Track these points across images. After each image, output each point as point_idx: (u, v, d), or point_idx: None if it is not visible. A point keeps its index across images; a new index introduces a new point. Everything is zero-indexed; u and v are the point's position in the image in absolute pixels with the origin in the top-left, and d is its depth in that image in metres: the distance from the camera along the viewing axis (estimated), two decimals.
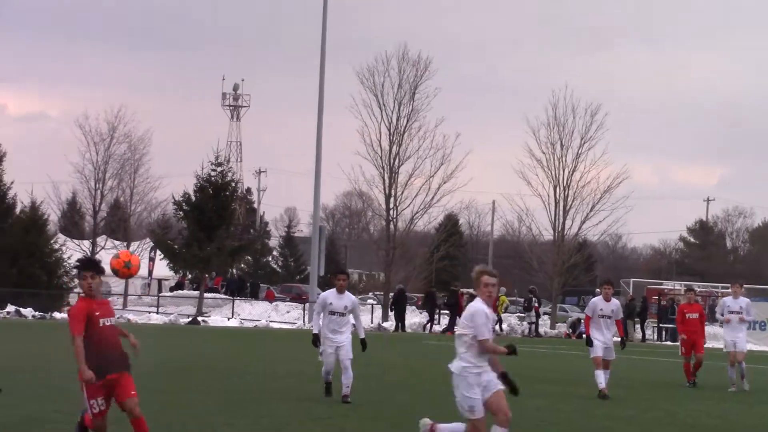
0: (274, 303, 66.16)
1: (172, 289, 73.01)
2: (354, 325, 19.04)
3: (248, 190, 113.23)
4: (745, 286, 28.69)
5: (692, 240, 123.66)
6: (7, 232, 59.42)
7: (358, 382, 19.13)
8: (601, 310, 21.77)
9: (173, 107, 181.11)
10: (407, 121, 63.18)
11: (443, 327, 58.09)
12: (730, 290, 26.81)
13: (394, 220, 63.45)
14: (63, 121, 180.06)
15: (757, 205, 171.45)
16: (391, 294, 60.10)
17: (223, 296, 68.38)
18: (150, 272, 73.05)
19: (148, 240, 70.47)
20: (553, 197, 65.27)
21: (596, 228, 67.07)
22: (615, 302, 22.08)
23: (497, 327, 12.12)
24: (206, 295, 64.33)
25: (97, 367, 11.29)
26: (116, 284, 66.25)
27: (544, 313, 64.46)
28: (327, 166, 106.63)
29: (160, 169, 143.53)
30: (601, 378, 21.34)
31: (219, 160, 63.72)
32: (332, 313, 18.62)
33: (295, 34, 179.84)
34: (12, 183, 63.23)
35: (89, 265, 11.71)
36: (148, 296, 70.57)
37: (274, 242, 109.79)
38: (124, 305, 63.07)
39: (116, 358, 11.53)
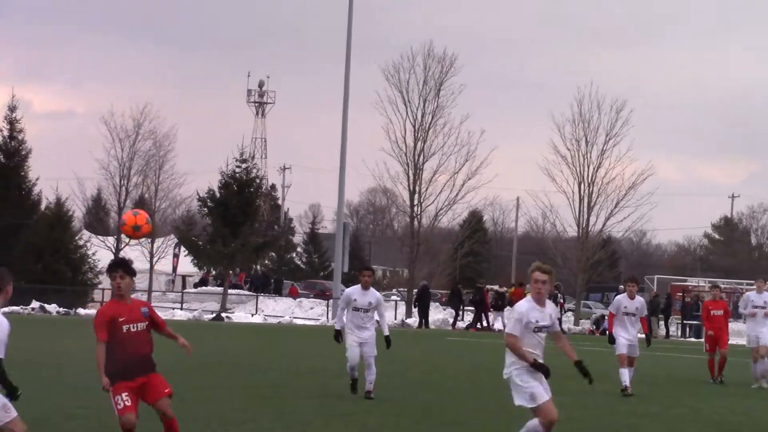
0: (298, 299, 66.18)
1: (196, 286, 73.24)
2: (378, 321, 19.06)
3: (273, 187, 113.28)
4: None
5: (717, 237, 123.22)
6: (33, 228, 59.67)
7: (382, 379, 19.14)
8: (626, 307, 21.73)
9: (198, 104, 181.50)
10: (432, 117, 63.05)
11: (466, 324, 58.06)
12: (753, 285, 26.72)
13: (419, 216, 63.37)
14: (88, 117, 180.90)
15: None
16: (415, 290, 60.04)
17: (246, 293, 68.55)
18: (174, 268, 73.40)
19: (172, 236, 70.70)
20: (577, 194, 65.29)
21: (620, 224, 67.10)
22: (639, 299, 22.04)
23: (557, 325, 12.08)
24: (230, 291, 64.44)
25: (116, 373, 11.25)
26: (140, 280, 66.37)
27: (568, 310, 64.35)
28: (351, 163, 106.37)
29: (184, 166, 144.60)
30: (626, 376, 21.28)
31: (244, 157, 64.00)
32: (356, 309, 18.66)
33: (321, 31, 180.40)
34: (37, 179, 63.76)
35: (119, 265, 11.61)
36: (172, 292, 70.82)
37: (298, 239, 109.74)
38: (148, 301, 63.17)
39: (138, 364, 11.42)
